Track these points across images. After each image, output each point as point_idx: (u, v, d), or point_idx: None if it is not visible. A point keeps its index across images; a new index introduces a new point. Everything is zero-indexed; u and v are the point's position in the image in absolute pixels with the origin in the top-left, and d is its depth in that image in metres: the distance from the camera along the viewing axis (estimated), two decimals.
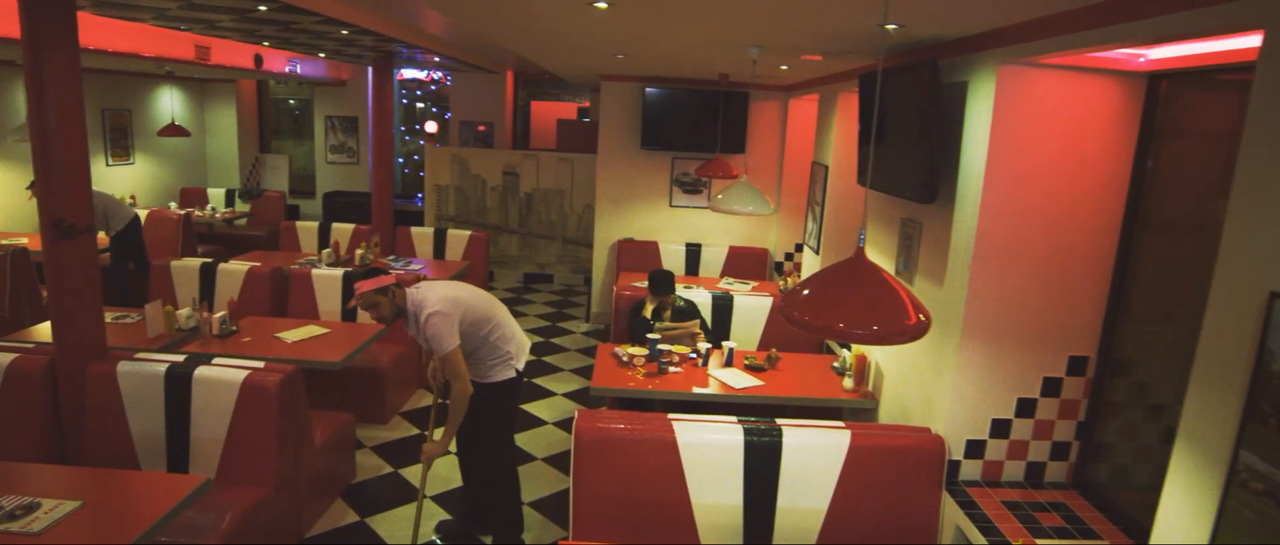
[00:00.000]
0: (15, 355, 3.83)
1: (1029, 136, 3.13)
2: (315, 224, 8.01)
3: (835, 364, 4.74)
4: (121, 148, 10.11)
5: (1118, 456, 3.30)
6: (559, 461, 5.05)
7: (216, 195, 10.57)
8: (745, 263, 7.69)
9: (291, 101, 13.08)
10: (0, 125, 8.33)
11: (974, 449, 3.41)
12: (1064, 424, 3.39)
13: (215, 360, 3.79)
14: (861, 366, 4.47)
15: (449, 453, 4.70)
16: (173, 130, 9.74)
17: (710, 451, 3.21)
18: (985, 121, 3.17)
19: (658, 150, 7.81)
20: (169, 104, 10.97)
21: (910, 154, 3.60)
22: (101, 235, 8.04)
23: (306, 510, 4.07)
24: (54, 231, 3.64)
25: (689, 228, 8.04)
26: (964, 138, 3.36)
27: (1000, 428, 3.39)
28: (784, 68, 5.46)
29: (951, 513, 3.27)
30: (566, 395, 6.23)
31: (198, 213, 9.77)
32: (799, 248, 7.85)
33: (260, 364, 3.76)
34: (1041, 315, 3.28)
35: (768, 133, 7.79)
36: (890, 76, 3.87)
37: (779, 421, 3.32)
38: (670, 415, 3.32)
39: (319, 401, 4.56)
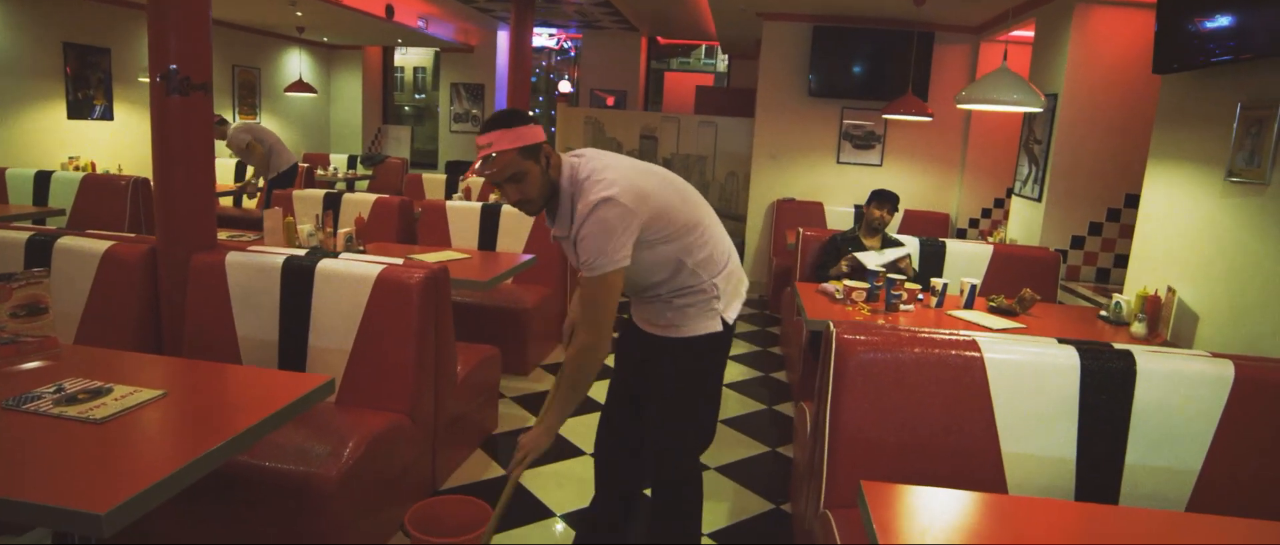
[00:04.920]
0: (113, 242, 3.17)
1: None
2: (443, 177, 7.37)
3: (1103, 313, 3.66)
4: (249, 106, 9.82)
5: None
6: (743, 424, 4.14)
7: (339, 160, 10.14)
8: (923, 227, 6.58)
9: (406, 108, 12.66)
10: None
11: None
12: None
13: (343, 256, 3.03)
14: (1154, 309, 3.38)
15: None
16: (299, 87, 9.41)
17: (1032, 379, 2.21)
18: None
19: (826, 99, 6.84)
20: (297, 66, 10.67)
21: None
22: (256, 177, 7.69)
23: (443, 456, 3.27)
24: (164, 84, 2.96)
25: (858, 187, 7.00)
26: None
27: None
28: None
29: None
30: (734, 358, 5.32)
31: (320, 172, 9.34)
32: (991, 209, 6.77)
33: (398, 261, 2.99)
34: None
35: (953, 82, 6.71)
36: None
37: (1123, 345, 2.30)
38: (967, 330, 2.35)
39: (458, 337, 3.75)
